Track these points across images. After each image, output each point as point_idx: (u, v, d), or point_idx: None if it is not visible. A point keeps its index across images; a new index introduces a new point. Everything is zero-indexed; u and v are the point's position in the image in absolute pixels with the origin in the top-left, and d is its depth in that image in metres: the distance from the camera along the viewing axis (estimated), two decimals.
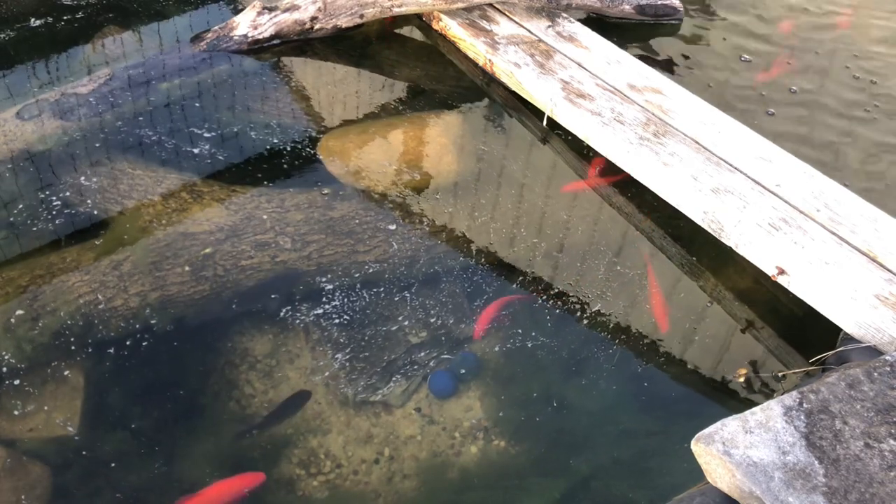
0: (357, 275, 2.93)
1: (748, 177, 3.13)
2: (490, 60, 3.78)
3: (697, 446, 2.09)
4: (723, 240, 2.97)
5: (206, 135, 3.42)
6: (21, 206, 3.03)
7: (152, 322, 2.71)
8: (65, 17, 4.05)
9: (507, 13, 4.04)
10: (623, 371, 2.75)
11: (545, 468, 2.51)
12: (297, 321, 2.78)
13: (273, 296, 2.84)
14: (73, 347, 2.61)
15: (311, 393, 2.60)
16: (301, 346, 2.73)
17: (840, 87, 4.18)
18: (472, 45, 3.87)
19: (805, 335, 2.86)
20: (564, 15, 4.06)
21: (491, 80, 3.83)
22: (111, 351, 2.63)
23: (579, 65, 3.71)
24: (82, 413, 2.48)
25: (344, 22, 3.94)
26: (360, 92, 3.85)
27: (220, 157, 3.34)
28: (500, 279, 3.01)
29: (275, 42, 3.91)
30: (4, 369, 2.53)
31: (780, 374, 2.76)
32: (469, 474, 2.48)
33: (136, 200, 3.07)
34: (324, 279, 2.90)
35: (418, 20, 4.20)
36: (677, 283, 3.08)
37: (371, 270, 2.95)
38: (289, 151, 3.41)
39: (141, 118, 3.46)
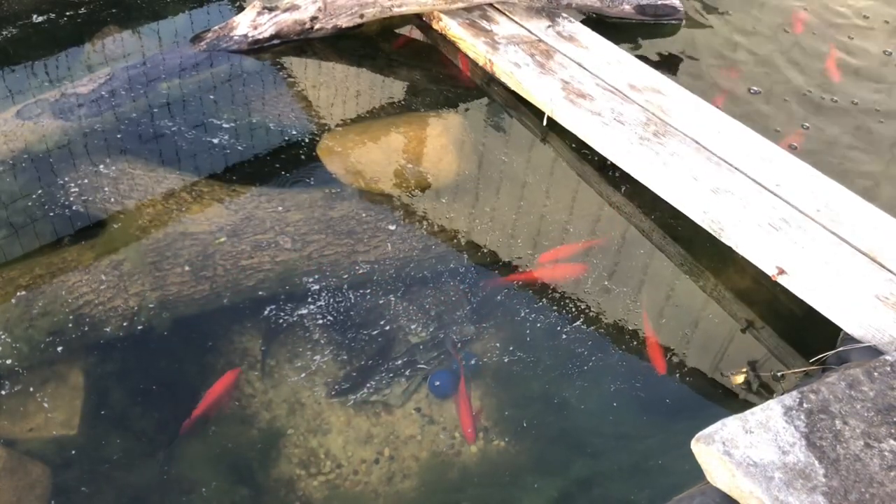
0: (357, 275, 2.93)
1: (748, 177, 3.13)
2: (490, 60, 3.78)
3: (697, 446, 2.09)
4: (723, 240, 2.97)
5: (206, 135, 3.42)
6: (21, 206, 3.03)
7: (152, 322, 2.71)
8: (67, 14, 4.05)
9: (507, 13, 4.04)
10: (623, 371, 2.75)
11: (545, 468, 2.51)
12: (297, 321, 2.78)
13: (272, 295, 2.84)
14: (73, 347, 2.61)
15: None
16: (301, 346, 2.73)
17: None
18: (472, 45, 3.87)
19: (805, 335, 2.86)
20: (564, 15, 4.06)
21: (491, 80, 3.83)
22: (111, 351, 2.63)
23: (579, 65, 3.71)
24: (82, 413, 2.48)
25: (344, 22, 3.94)
26: (359, 92, 3.85)
27: (221, 157, 3.34)
28: (500, 279, 3.01)
29: (275, 42, 3.91)
30: (5, 369, 2.53)
31: (780, 374, 2.76)
32: (469, 474, 2.49)
33: (136, 200, 3.07)
34: (324, 279, 2.90)
35: (418, 20, 4.20)
36: (677, 283, 3.08)
37: (371, 270, 2.95)
38: (289, 151, 3.41)
39: (141, 118, 3.46)
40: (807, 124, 3.72)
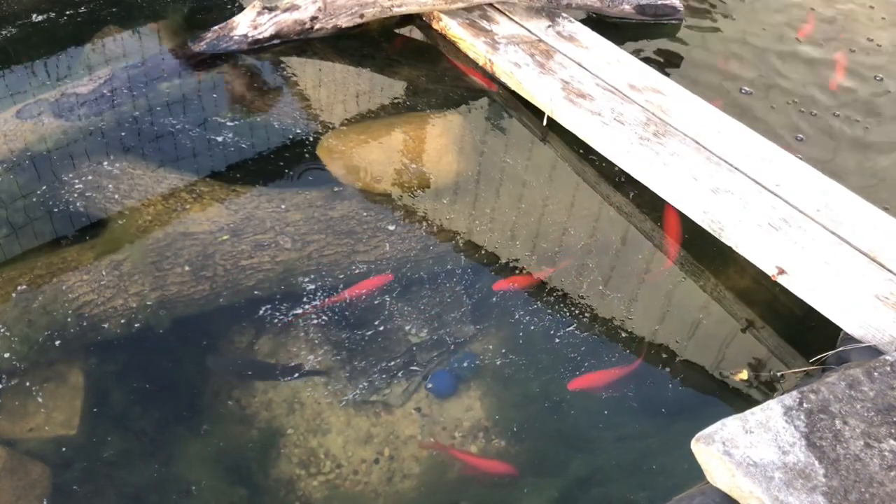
0: (357, 274, 2.93)
1: (748, 177, 3.13)
2: (490, 60, 3.78)
3: (697, 446, 2.09)
4: (723, 240, 2.97)
5: (207, 135, 3.42)
6: (21, 205, 3.03)
7: (152, 322, 2.71)
8: (67, 13, 4.05)
9: (507, 13, 4.04)
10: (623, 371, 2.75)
11: (545, 468, 2.51)
12: (297, 321, 2.78)
13: (273, 295, 2.84)
14: (73, 347, 2.61)
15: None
16: (301, 346, 2.73)
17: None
18: (472, 45, 3.87)
19: (805, 335, 2.86)
20: (564, 15, 4.06)
21: (491, 79, 3.83)
22: (111, 351, 2.63)
23: (579, 65, 3.71)
24: (82, 413, 2.48)
25: (344, 22, 3.94)
26: (360, 92, 3.85)
27: (221, 157, 3.34)
28: (499, 279, 3.00)
29: (275, 42, 3.91)
30: (5, 369, 2.53)
31: (780, 374, 2.76)
32: (469, 474, 2.49)
33: (136, 200, 3.07)
34: (324, 279, 2.90)
35: (418, 20, 4.20)
36: (677, 284, 3.08)
37: (371, 270, 2.95)
38: (289, 151, 3.41)
39: (141, 118, 3.46)
40: (801, 136, 3.71)
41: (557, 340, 2.81)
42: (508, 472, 2.49)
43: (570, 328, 2.86)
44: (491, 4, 4.05)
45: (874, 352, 2.53)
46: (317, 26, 3.93)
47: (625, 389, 2.69)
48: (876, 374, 2.26)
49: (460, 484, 2.47)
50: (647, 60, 3.93)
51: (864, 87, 4.21)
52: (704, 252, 3.12)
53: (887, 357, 2.34)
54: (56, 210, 3.01)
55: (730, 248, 2.96)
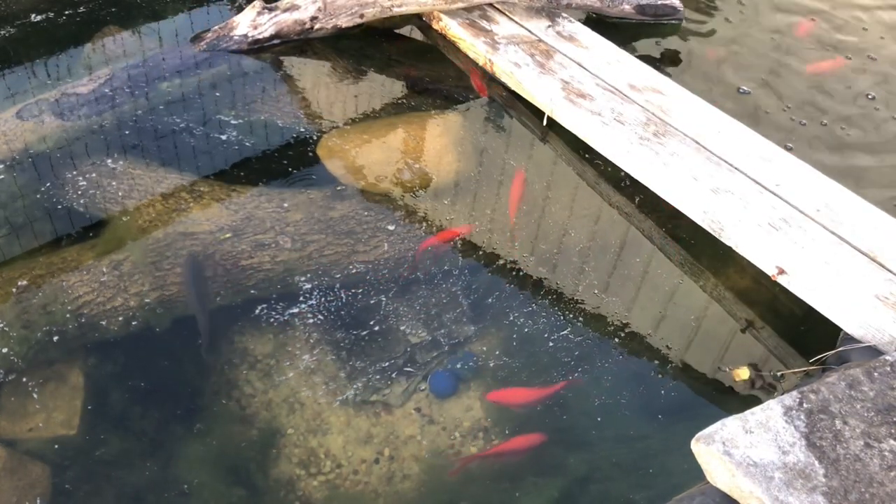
0: (357, 274, 2.93)
1: (748, 177, 3.13)
2: (490, 60, 3.78)
3: (697, 446, 2.09)
4: (723, 240, 2.97)
5: (207, 134, 3.42)
6: (21, 205, 3.03)
7: (152, 322, 2.71)
8: (66, 13, 4.05)
9: (507, 13, 4.04)
10: (623, 371, 2.75)
11: (544, 468, 2.51)
12: (297, 321, 2.78)
13: (273, 295, 2.84)
14: (73, 347, 2.61)
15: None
16: (301, 346, 2.73)
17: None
18: (472, 45, 3.87)
19: (805, 335, 2.86)
20: (564, 15, 4.06)
21: (491, 79, 3.83)
22: (111, 351, 2.63)
23: (579, 65, 3.70)
24: (82, 413, 2.48)
25: (344, 22, 3.94)
26: (360, 92, 3.85)
27: (220, 157, 3.34)
28: (499, 278, 3.01)
29: (275, 42, 3.91)
30: (5, 369, 2.53)
31: (780, 374, 2.76)
32: (468, 474, 2.49)
33: (136, 200, 3.07)
34: (324, 279, 2.90)
35: (418, 20, 4.20)
36: (677, 284, 3.08)
37: (371, 270, 2.95)
38: (289, 151, 3.41)
39: (141, 118, 3.46)
40: (790, 145, 3.71)
41: (557, 340, 2.81)
42: (538, 442, 2.53)
43: (569, 328, 2.86)
44: (491, 4, 4.05)
45: (874, 352, 2.53)
46: (317, 26, 3.93)
47: (625, 390, 2.69)
48: (876, 374, 2.26)
49: (460, 484, 2.47)
50: (647, 60, 3.93)
51: (860, 88, 4.21)
52: (704, 252, 3.12)
53: (887, 357, 2.34)
54: (56, 210, 3.01)
55: (730, 248, 2.96)
